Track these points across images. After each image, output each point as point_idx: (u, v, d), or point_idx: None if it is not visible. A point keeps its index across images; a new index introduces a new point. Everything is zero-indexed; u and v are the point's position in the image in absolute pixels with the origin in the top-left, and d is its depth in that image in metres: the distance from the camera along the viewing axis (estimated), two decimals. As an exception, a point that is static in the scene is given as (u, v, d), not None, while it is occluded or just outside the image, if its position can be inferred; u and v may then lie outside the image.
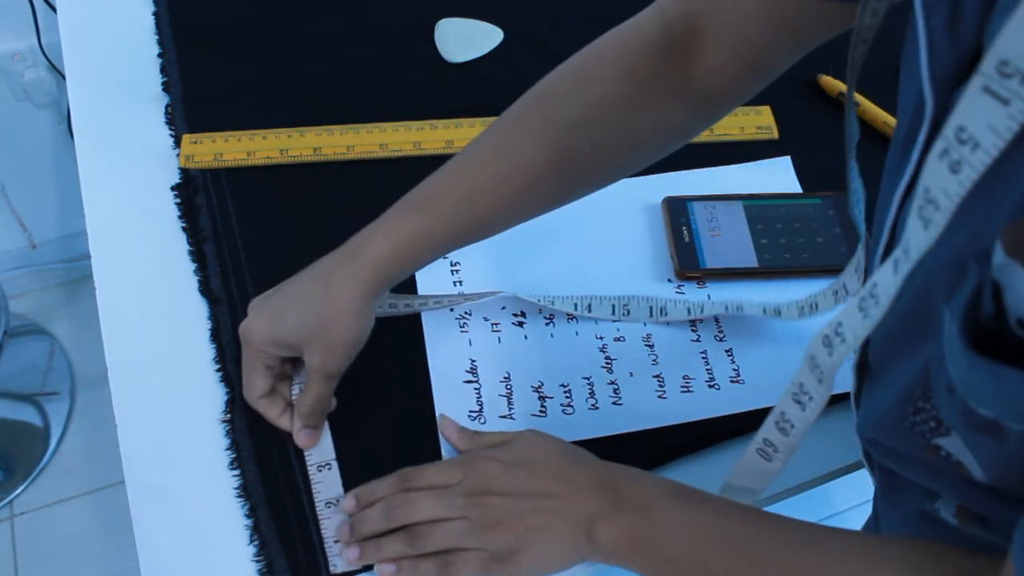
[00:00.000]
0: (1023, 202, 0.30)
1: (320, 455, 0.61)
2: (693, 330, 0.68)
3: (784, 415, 0.46)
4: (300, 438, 0.61)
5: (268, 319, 0.59)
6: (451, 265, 0.71)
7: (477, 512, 0.54)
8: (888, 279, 0.36)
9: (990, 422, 0.33)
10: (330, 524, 0.58)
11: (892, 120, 0.79)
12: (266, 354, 0.60)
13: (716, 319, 0.68)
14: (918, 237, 0.34)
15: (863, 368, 0.47)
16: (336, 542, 0.57)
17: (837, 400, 0.62)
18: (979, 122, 0.30)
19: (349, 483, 0.60)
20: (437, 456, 0.61)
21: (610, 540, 0.51)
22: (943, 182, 0.32)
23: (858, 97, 0.82)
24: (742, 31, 0.52)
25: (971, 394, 0.33)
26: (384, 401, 0.64)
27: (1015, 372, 0.30)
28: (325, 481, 0.60)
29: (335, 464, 0.60)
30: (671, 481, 0.53)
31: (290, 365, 0.63)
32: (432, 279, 0.70)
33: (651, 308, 0.68)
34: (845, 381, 0.48)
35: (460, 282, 0.70)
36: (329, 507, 0.58)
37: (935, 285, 0.36)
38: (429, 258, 0.60)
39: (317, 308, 0.58)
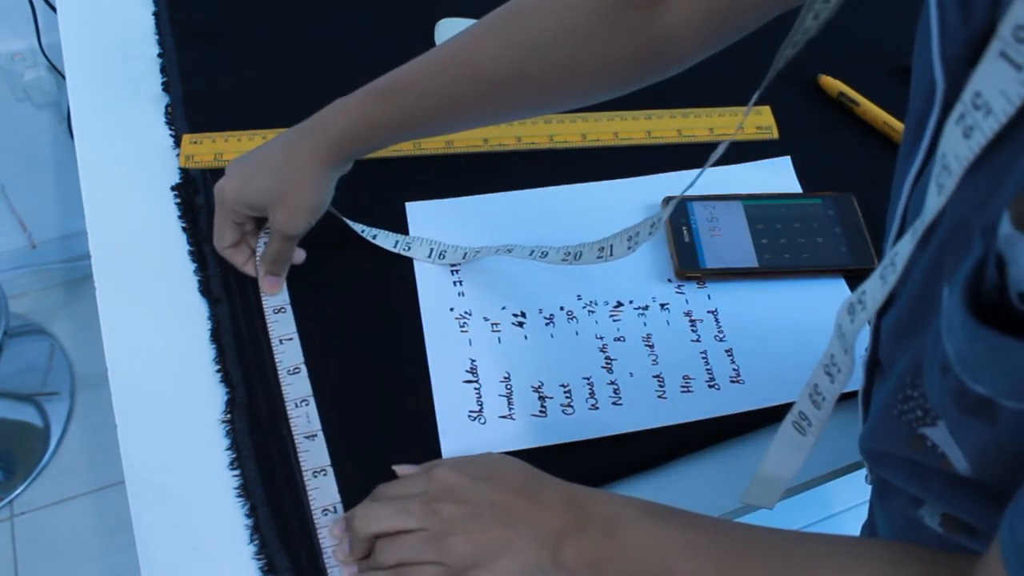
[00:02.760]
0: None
1: (315, 460, 0.61)
2: (693, 330, 0.68)
3: (817, 387, 0.45)
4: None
5: (239, 181, 0.66)
6: (451, 265, 0.71)
7: (435, 521, 0.52)
8: (906, 247, 0.36)
9: (983, 402, 0.33)
10: (328, 532, 0.58)
11: (892, 120, 0.79)
12: (236, 212, 0.67)
13: (716, 319, 0.68)
14: (931, 201, 0.34)
15: (874, 367, 0.47)
16: (335, 551, 0.57)
17: (836, 401, 0.63)
18: (993, 87, 0.30)
19: (347, 487, 0.59)
20: (437, 457, 0.61)
21: (575, 560, 0.49)
22: (956, 147, 0.32)
23: (858, 97, 0.82)
24: None
25: (967, 369, 0.33)
26: (384, 402, 0.64)
27: (1018, 343, 0.29)
28: (321, 487, 0.59)
29: (331, 470, 0.60)
30: (639, 500, 0.52)
31: (255, 223, 0.69)
32: (432, 279, 0.70)
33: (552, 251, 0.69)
34: (854, 380, 0.48)
35: (460, 282, 0.70)
36: (327, 514, 0.58)
37: (941, 267, 0.36)
38: (384, 142, 0.65)
39: (281, 175, 0.64)
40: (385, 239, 0.71)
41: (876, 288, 0.38)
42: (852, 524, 1.29)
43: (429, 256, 0.71)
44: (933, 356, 0.36)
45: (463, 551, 0.51)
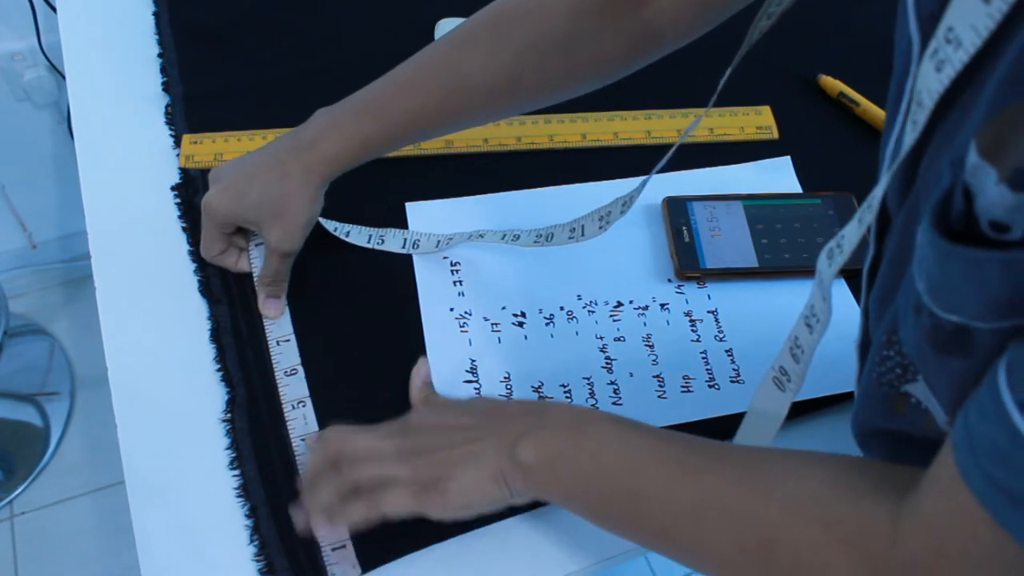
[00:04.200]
0: (995, 102, 0.30)
1: None
2: (693, 330, 0.68)
3: (797, 340, 0.46)
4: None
5: (231, 197, 0.65)
6: (451, 265, 0.71)
7: (407, 442, 0.54)
8: (880, 187, 0.37)
9: (956, 332, 0.33)
10: (327, 531, 0.57)
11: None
12: (225, 225, 0.67)
13: (716, 319, 0.68)
14: (907, 138, 0.35)
15: (865, 349, 0.48)
16: (334, 550, 0.57)
17: (834, 401, 0.63)
18: (964, 22, 0.31)
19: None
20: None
21: (532, 456, 0.50)
22: (928, 81, 0.33)
23: (858, 97, 0.82)
24: None
25: (939, 298, 0.33)
26: (383, 402, 0.64)
27: (988, 253, 0.30)
28: None
29: None
30: (605, 412, 0.53)
31: (242, 229, 0.69)
32: (432, 279, 0.70)
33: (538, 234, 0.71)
34: (847, 381, 0.48)
35: (460, 282, 0.70)
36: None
37: (917, 217, 0.36)
38: (376, 155, 0.66)
39: (274, 194, 0.64)
40: (359, 235, 0.72)
41: (854, 231, 0.39)
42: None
43: (403, 247, 0.71)
44: (907, 301, 0.36)
45: (430, 466, 0.52)
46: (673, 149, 0.62)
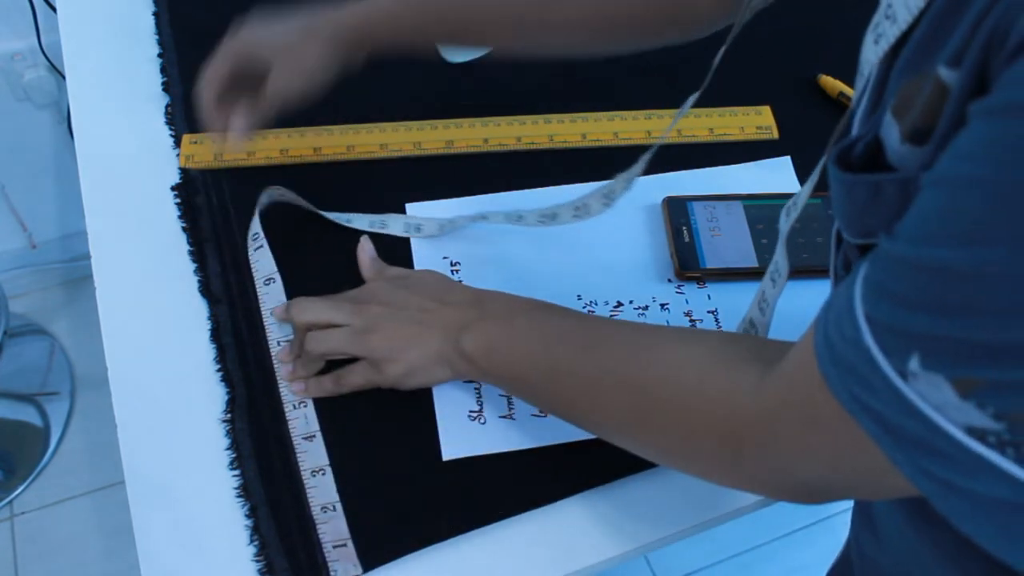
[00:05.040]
0: (905, 70, 0.35)
1: (313, 460, 0.61)
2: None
3: (764, 295, 0.53)
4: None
5: (258, 26, 0.66)
6: (451, 265, 0.71)
7: (359, 320, 0.62)
8: (830, 149, 0.42)
9: (863, 252, 0.37)
10: (327, 529, 0.58)
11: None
12: (240, 54, 0.65)
13: (716, 319, 0.68)
14: (854, 104, 0.40)
15: None
16: (335, 548, 0.57)
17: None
18: (899, 0, 0.35)
19: (346, 487, 0.59)
20: (437, 457, 0.61)
21: (472, 346, 0.58)
22: (868, 53, 0.37)
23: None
24: None
25: (852, 225, 0.37)
26: (381, 403, 0.64)
27: (857, 176, 0.35)
28: (319, 486, 0.59)
29: (329, 470, 0.60)
30: (534, 300, 0.61)
31: (248, 89, 0.66)
32: (432, 279, 0.70)
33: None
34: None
35: (460, 281, 0.70)
36: (325, 512, 0.58)
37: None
38: (400, 44, 0.66)
39: (295, 32, 0.65)
40: (360, 220, 0.72)
41: (806, 191, 0.47)
42: (846, 526, 1.28)
43: (406, 230, 0.72)
44: (833, 242, 0.43)
45: (382, 346, 0.61)
46: (677, 117, 0.62)
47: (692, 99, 0.61)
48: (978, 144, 0.28)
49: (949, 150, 0.30)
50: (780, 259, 0.50)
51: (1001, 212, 0.27)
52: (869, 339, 0.33)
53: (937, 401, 0.31)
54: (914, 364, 0.31)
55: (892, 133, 0.34)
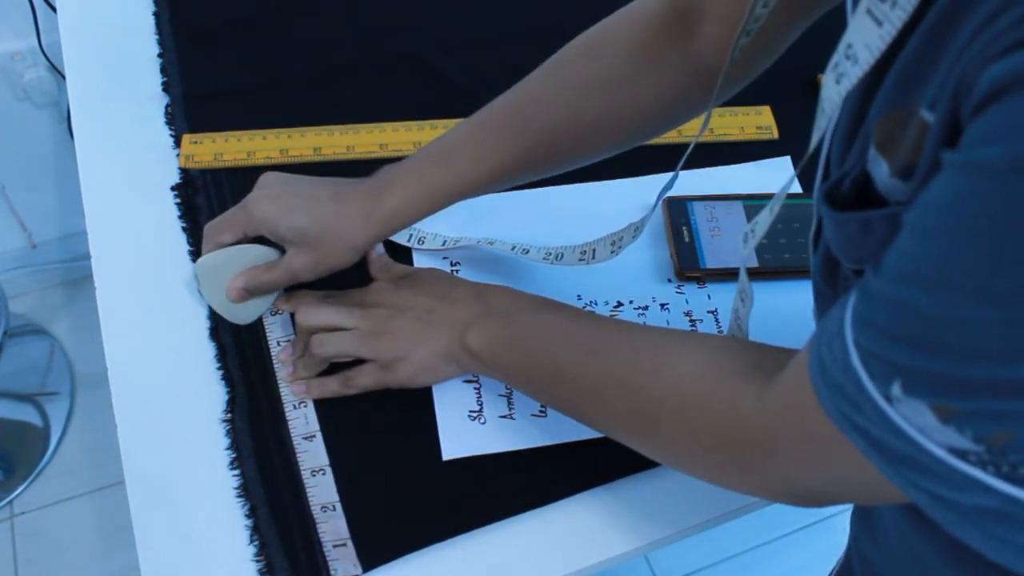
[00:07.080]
0: (887, 104, 0.35)
1: (313, 460, 0.61)
2: (693, 330, 0.68)
3: (737, 313, 0.55)
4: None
5: (277, 208, 0.62)
6: (451, 265, 0.71)
7: (366, 323, 0.62)
8: (792, 177, 0.46)
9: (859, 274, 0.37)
10: (327, 528, 0.58)
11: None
12: (255, 229, 0.63)
13: (716, 319, 0.68)
14: (813, 139, 0.41)
15: (821, 315, 0.51)
16: (335, 547, 0.57)
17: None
18: (860, 40, 0.35)
19: (346, 487, 0.59)
20: (437, 457, 0.61)
21: (477, 343, 0.59)
22: (830, 91, 0.38)
23: (858, 97, 0.82)
24: (743, 4, 0.53)
25: (847, 253, 0.38)
26: (381, 402, 0.64)
27: (846, 214, 0.36)
28: (319, 486, 0.59)
29: (329, 470, 0.60)
30: (536, 296, 0.62)
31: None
32: (432, 279, 0.70)
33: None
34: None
35: (463, 278, 0.70)
36: (325, 512, 0.58)
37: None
38: (439, 209, 0.63)
39: (324, 225, 0.61)
40: None
41: (765, 217, 0.48)
42: (844, 527, 1.28)
43: (409, 240, 0.71)
44: (811, 245, 0.45)
45: (390, 348, 0.61)
46: (684, 158, 0.61)
47: (704, 123, 0.59)
48: (945, 195, 0.29)
49: (924, 194, 0.31)
50: (744, 283, 0.53)
51: (965, 263, 0.29)
52: (857, 362, 0.34)
53: (920, 424, 0.32)
54: (896, 390, 0.32)
55: (880, 168, 0.35)
